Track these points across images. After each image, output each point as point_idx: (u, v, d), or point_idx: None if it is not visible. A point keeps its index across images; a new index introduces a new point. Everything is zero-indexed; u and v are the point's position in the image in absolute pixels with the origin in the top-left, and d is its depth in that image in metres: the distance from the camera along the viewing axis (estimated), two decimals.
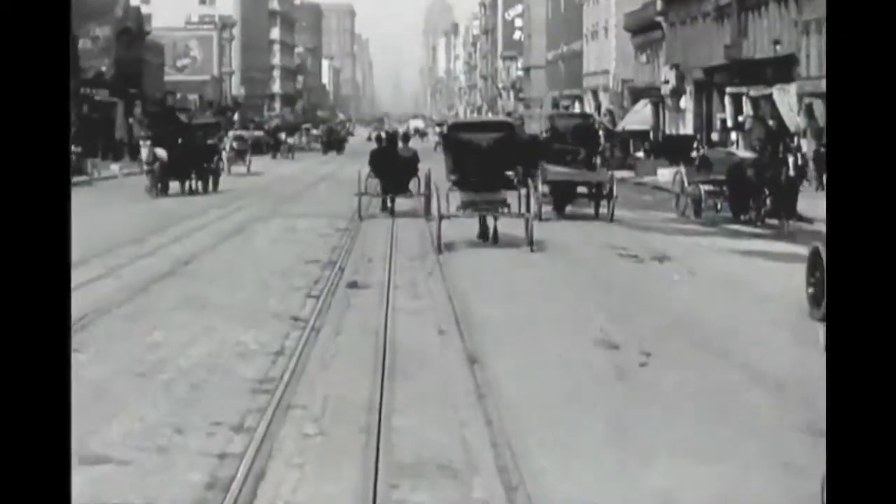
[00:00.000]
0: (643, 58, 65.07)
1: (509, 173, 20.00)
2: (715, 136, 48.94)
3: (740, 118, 45.95)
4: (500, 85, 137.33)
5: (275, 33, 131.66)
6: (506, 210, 19.63)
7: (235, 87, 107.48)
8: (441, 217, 19.04)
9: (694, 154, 29.43)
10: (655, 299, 14.27)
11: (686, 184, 27.38)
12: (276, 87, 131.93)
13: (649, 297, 14.50)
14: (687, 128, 54.95)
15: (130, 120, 65.21)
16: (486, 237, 20.01)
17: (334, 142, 77.69)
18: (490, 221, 19.94)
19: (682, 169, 28.22)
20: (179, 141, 33.74)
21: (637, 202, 32.24)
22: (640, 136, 59.75)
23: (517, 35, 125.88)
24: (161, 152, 32.45)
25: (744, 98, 45.91)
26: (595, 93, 78.50)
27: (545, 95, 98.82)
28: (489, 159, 19.46)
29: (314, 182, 42.24)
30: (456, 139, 20.29)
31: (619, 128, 61.43)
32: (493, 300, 13.86)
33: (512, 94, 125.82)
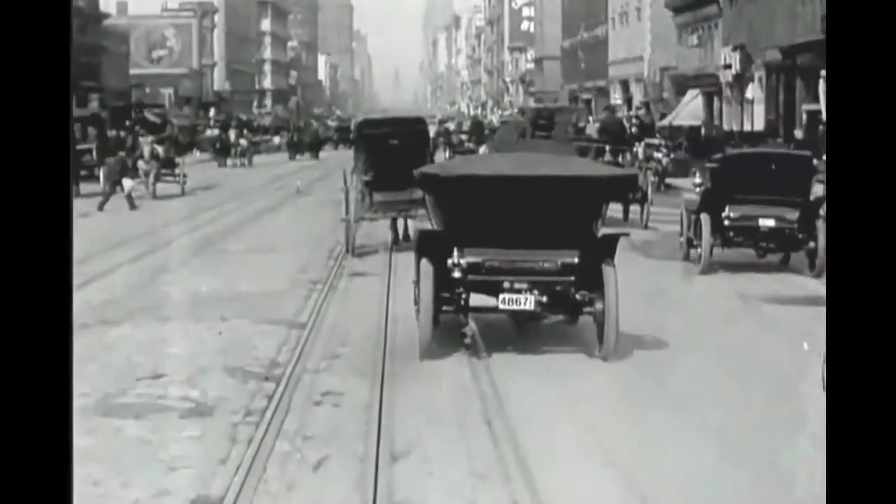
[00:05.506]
0: (693, 39, 55.08)
1: None
2: (798, 134, 39.15)
3: None
4: (508, 79, 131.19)
5: (265, 25, 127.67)
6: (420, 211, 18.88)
7: (219, 82, 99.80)
8: (359, 219, 19.03)
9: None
10: None
11: None
12: (268, 83, 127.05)
13: None
14: (756, 122, 44.98)
15: None
16: (398, 241, 20.07)
17: (307, 144, 62.67)
18: (400, 223, 19.73)
19: None
20: None
21: None
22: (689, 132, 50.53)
23: (525, 25, 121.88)
24: None
25: None
26: (625, 83, 69.08)
27: (561, 89, 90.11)
28: (404, 157, 18.52)
29: (272, 206, 29.93)
30: (368, 137, 19.88)
31: (666, 122, 51.78)
32: None
33: (521, 87, 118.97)
